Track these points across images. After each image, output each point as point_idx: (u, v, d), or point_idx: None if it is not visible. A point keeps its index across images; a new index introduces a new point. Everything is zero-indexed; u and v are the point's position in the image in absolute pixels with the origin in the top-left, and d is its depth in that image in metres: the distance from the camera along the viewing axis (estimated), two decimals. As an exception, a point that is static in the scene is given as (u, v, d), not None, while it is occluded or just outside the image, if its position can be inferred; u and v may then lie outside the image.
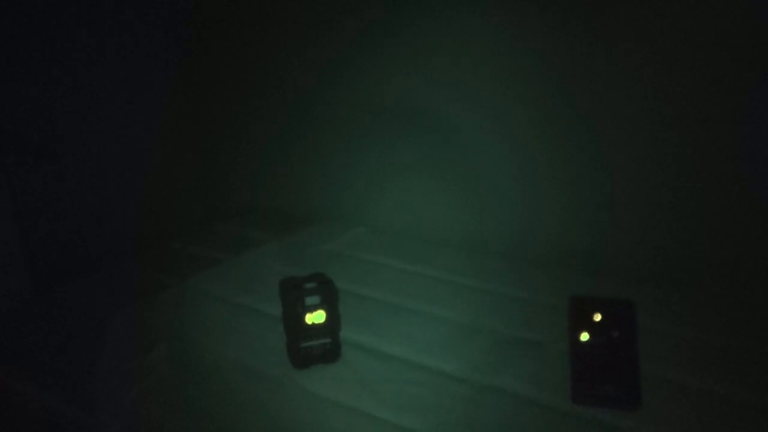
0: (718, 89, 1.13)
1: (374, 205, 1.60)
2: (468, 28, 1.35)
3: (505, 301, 1.20)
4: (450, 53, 1.39)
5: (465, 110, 1.40)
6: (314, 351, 0.99)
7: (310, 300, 0.98)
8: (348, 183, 1.63)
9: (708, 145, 1.17)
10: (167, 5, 1.68)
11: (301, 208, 1.72)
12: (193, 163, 1.86)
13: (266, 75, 1.69)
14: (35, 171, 1.42)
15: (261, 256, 1.43)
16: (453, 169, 1.46)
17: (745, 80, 1.10)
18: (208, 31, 1.74)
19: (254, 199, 1.83)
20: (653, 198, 1.24)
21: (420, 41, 1.41)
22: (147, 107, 1.67)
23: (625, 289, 1.13)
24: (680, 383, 0.93)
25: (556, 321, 0.99)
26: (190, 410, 0.92)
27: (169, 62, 1.72)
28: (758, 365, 0.96)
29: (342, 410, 0.91)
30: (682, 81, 1.16)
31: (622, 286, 1.18)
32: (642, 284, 1.21)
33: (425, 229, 1.53)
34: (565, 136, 1.30)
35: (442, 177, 1.48)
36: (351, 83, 1.54)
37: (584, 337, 0.90)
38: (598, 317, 0.90)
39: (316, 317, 0.98)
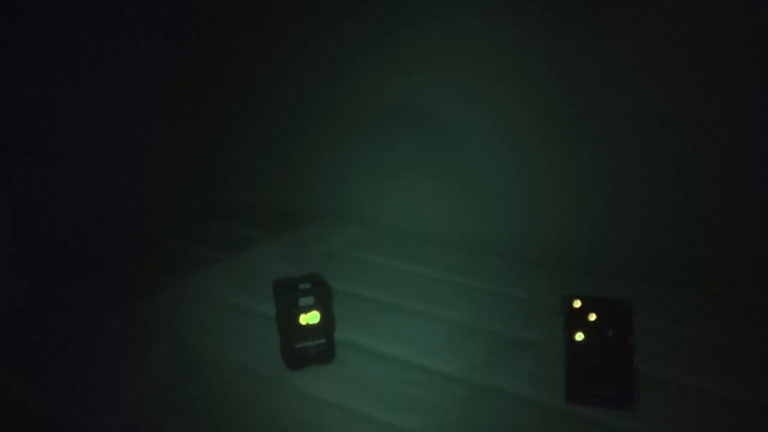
0: (718, 89, 1.13)
1: (374, 205, 1.60)
2: (468, 28, 1.35)
3: (505, 301, 1.20)
4: (450, 53, 1.39)
5: (465, 110, 1.40)
6: (308, 352, 0.99)
7: (304, 301, 0.98)
8: (348, 183, 1.63)
9: (708, 145, 1.17)
10: (167, 5, 1.68)
11: (301, 208, 1.72)
12: (193, 163, 1.86)
13: (266, 75, 1.69)
14: (35, 171, 1.42)
15: (260, 256, 1.43)
16: (453, 169, 1.46)
17: (745, 80, 1.10)
18: (208, 31, 1.73)
19: (254, 199, 1.83)
20: (653, 198, 1.24)
21: (420, 41, 1.41)
22: (147, 107, 1.67)
23: (625, 289, 1.14)
24: (680, 383, 0.93)
25: (556, 321, 0.99)
26: (189, 410, 0.92)
27: (169, 62, 1.71)
28: (758, 365, 0.96)
29: (340, 411, 0.91)
30: (682, 81, 1.16)
31: (622, 286, 1.18)
32: (642, 284, 1.22)
33: (425, 229, 1.53)
34: (565, 136, 1.30)
35: (441, 177, 1.48)
36: (351, 83, 1.54)
37: (579, 336, 0.90)
38: (593, 317, 0.90)
39: (310, 318, 0.98)
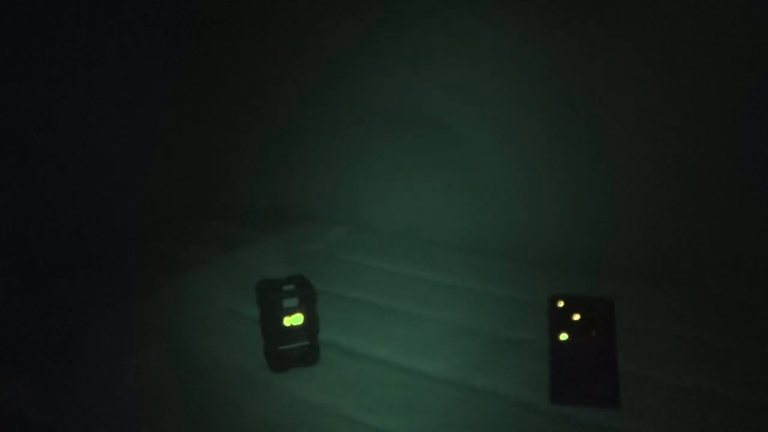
0: (718, 89, 1.13)
1: (374, 205, 1.60)
2: (468, 28, 1.35)
3: (505, 301, 1.20)
4: (450, 53, 1.39)
5: (464, 110, 1.40)
6: (292, 354, 0.98)
7: (288, 302, 0.97)
8: (348, 183, 1.63)
9: (708, 145, 1.16)
10: (167, 5, 1.68)
11: (302, 208, 1.72)
12: (193, 163, 1.86)
13: (266, 75, 1.69)
14: (35, 171, 1.42)
15: (259, 256, 1.43)
16: (452, 169, 1.45)
17: (745, 80, 1.10)
18: (208, 31, 1.73)
19: (254, 199, 1.83)
20: (653, 198, 1.24)
21: (420, 41, 1.41)
22: (147, 107, 1.66)
23: (625, 289, 1.14)
24: (680, 383, 0.93)
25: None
26: (189, 411, 0.92)
27: (169, 62, 1.71)
28: (758, 365, 0.96)
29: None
30: (682, 81, 1.16)
31: (622, 286, 1.18)
32: (642, 284, 1.21)
33: (425, 229, 1.53)
34: (565, 136, 1.30)
35: (441, 177, 1.48)
36: (351, 83, 1.54)
37: (563, 336, 0.90)
38: (576, 317, 0.90)
39: (294, 320, 0.98)
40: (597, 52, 1.22)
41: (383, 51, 1.46)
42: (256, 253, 1.45)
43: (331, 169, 1.65)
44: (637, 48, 1.18)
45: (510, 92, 1.34)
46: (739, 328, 1.06)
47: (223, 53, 1.74)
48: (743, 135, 1.13)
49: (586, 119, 1.27)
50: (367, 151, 1.56)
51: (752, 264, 1.18)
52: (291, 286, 0.98)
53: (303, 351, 0.99)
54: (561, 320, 0.91)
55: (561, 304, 0.92)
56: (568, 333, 0.90)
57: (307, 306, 0.98)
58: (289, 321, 0.97)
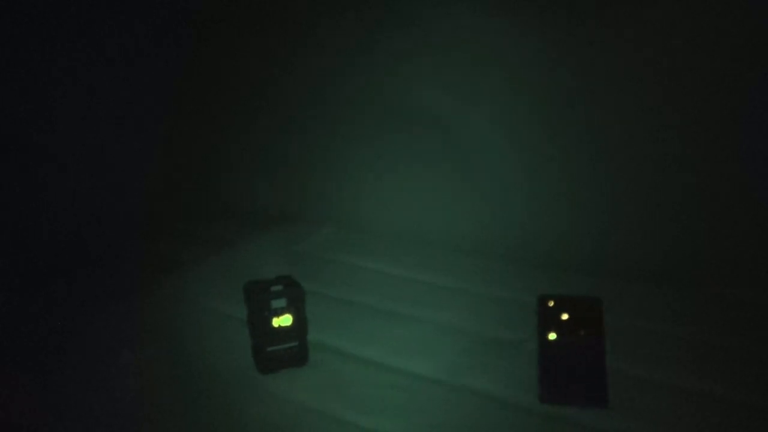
0: (718, 89, 1.13)
1: (375, 206, 1.60)
2: (468, 28, 1.35)
3: (504, 302, 1.20)
4: (450, 53, 1.39)
5: (464, 110, 1.40)
6: (281, 355, 0.98)
7: (276, 303, 0.96)
8: (348, 183, 1.62)
9: (708, 145, 1.16)
10: (167, 5, 1.68)
11: (301, 208, 1.72)
12: (193, 163, 1.85)
13: (266, 75, 1.69)
14: (35, 171, 1.42)
15: (259, 256, 1.43)
16: (452, 169, 1.45)
17: (745, 80, 1.10)
18: (208, 31, 1.73)
19: (254, 199, 1.82)
20: (653, 198, 1.24)
21: (420, 41, 1.41)
22: (147, 107, 1.66)
23: (625, 289, 1.14)
24: (680, 383, 0.93)
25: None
26: (187, 410, 0.92)
27: (169, 62, 1.71)
28: (758, 365, 0.96)
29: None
30: (683, 81, 1.16)
31: (622, 286, 1.17)
32: (642, 284, 1.21)
33: (425, 229, 1.52)
34: (565, 136, 1.30)
35: (441, 177, 1.48)
36: (351, 83, 1.54)
37: (552, 336, 0.90)
38: (565, 316, 0.90)
39: (282, 320, 0.97)
40: (597, 52, 1.22)
41: (383, 51, 1.46)
42: (256, 253, 1.45)
43: (331, 169, 1.65)
44: (637, 48, 1.18)
45: (510, 92, 1.34)
46: (739, 328, 1.06)
47: (223, 53, 1.74)
48: (743, 135, 1.13)
49: (586, 119, 1.27)
50: (367, 151, 1.56)
51: (752, 264, 1.18)
52: (279, 287, 0.97)
53: (291, 352, 0.98)
54: (549, 320, 0.90)
55: (550, 303, 0.92)
56: (557, 333, 0.89)
57: (296, 307, 0.97)
58: (277, 322, 0.97)
